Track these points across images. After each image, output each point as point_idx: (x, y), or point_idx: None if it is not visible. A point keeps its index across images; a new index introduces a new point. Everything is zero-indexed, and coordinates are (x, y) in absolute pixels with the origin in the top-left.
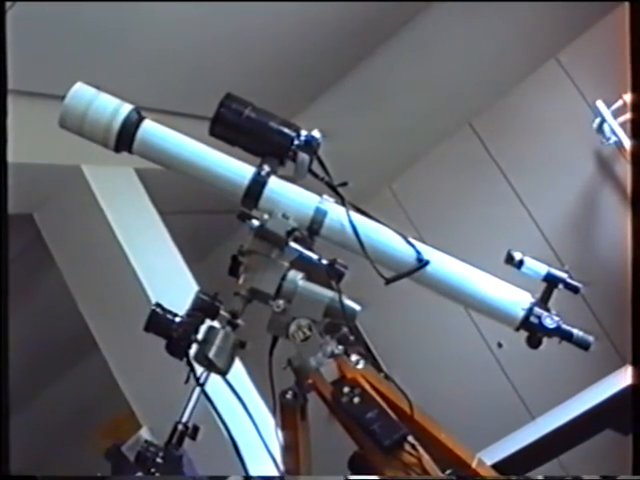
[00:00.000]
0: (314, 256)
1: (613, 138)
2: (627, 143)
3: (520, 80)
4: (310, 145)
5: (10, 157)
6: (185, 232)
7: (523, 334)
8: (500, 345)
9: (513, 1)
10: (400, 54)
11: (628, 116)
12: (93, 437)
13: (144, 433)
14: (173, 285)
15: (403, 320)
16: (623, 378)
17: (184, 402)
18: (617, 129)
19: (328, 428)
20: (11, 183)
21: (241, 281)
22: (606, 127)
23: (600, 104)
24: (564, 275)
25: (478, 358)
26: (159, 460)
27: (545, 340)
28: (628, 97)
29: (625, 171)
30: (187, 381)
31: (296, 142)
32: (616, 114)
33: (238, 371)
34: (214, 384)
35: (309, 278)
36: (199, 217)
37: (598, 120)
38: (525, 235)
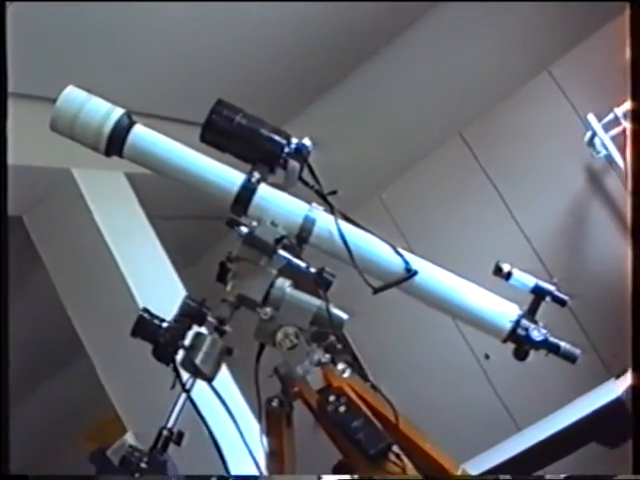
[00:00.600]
0: (302, 264)
1: (603, 152)
2: (618, 157)
3: (512, 91)
4: (300, 153)
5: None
6: (174, 237)
7: (511, 346)
8: (487, 357)
9: (511, 1)
10: (392, 64)
11: (619, 129)
12: (80, 439)
13: (129, 437)
14: (161, 290)
15: (391, 330)
16: (610, 391)
17: (170, 408)
18: (608, 143)
19: (313, 436)
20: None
21: (229, 288)
22: (597, 141)
23: (591, 117)
24: (552, 287)
25: (466, 369)
26: (143, 465)
27: (532, 352)
28: (619, 111)
29: (615, 185)
30: (173, 387)
31: (286, 150)
32: (607, 128)
33: (224, 378)
34: (200, 390)
35: (297, 286)
36: (189, 223)
37: (589, 133)
38: (514, 246)
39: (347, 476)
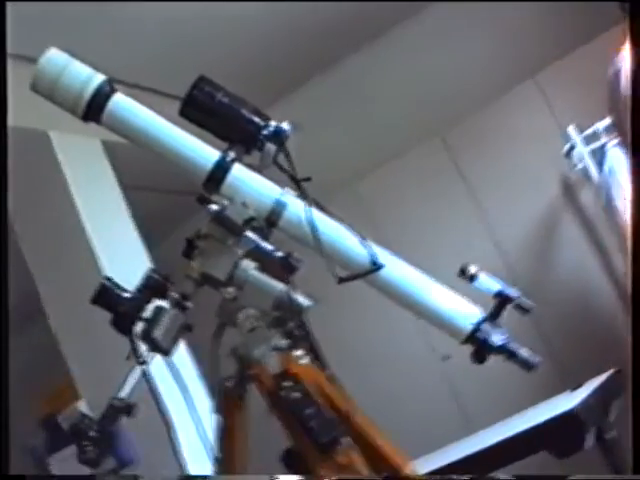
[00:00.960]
0: (269, 247)
1: (580, 165)
2: (594, 171)
3: (496, 97)
4: (278, 136)
5: None
6: (146, 209)
7: (472, 348)
8: (447, 357)
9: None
10: (382, 57)
11: (598, 144)
12: (34, 404)
13: (81, 405)
14: (127, 261)
15: (354, 321)
16: (564, 402)
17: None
18: (586, 156)
19: (266, 421)
20: None
21: (194, 264)
22: (575, 153)
23: (572, 129)
24: (515, 294)
25: (426, 367)
26: (93, 434)
27: (493, 357)
28: (601, 125)
29: (588, 199)
30: (128, 357)
31: (264, 132)
32: (587, 141)
33: (181, 353)
34: (156, 364)
35: (263, 269)
36: (162, 196)
37: (568, 145)
38: (483, 250)
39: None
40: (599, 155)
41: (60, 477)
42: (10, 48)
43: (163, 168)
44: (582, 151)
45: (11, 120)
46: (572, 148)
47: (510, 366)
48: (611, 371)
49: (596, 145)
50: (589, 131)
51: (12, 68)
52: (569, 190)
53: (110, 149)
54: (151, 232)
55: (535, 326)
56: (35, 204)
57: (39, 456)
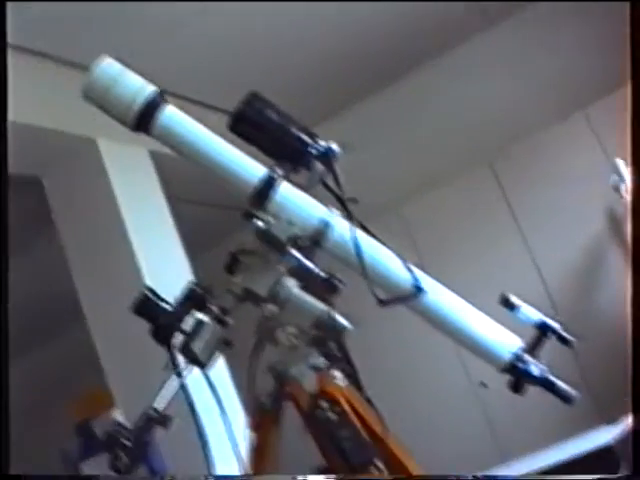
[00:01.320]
0: (313, 267)
1: (628, 198)
2: None
3: (547, 128)
4: (326, 156)
5: (31, 119)
6: (191, 221)
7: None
8: (484, 385)
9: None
10: (434, 82)
11: None
12: (65, 409)
13: (116, 413)
14: (168, 272)
15: (391, 345)
16: (600, 437)
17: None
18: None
19: (299, 439)
20: (25, 145)
21: (236, 279)
22: (623, 186)
23: (620, 162)
24: (557, 326)
25: (461, 393)
26: (127, 443)
27: (531, 387)
28: None
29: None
30: (165, 368)
31: (313, 151)
32: None
33: (220, 369)
34: (193, 377)
35: (305, 288)
36: (207, 209)
37: (616, 178)
38: (525, 280)
39: (322, 476)
40: None
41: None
42: (61, 53)
43: (209, 181)
44: (629, 184)
45: (58, 125)
46: (620, 181)
47: (544, 398)
48: None
49: None
50: None
51: (66, 75)
52: (615, 223)
53: (157, 160)
54: (193, 245)
55: (574, 358)
56: (80, 210)
57: (72, 461)
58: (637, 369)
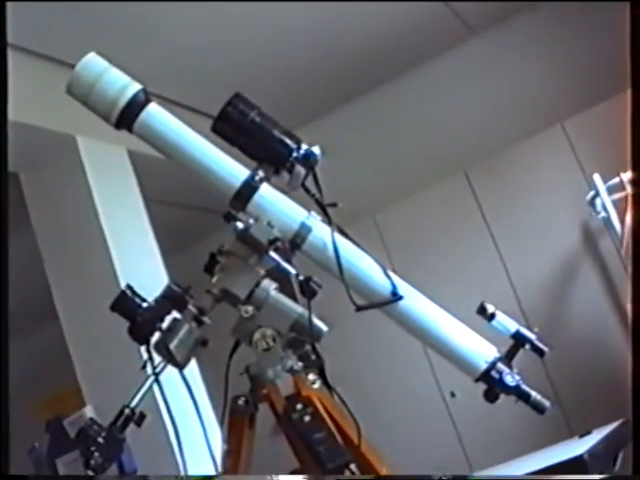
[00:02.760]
0: (291, 269)
1: (603, 213)
2: (615, 221)
3: (523, 139)
4: (308, 159)
5: (10, 115)
6: (167, 223)
7: (480, 386)
8: (453, 394)
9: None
10: (412, 91)
11: (622, 194)
12: (33, 407)
13: (88, 411)
14: (143, 271)
15: (365, 349)
16: (571, 449)
17: (134, 387)
18: (608, 205)
19: (271, 441)
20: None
21: (215, 280)
22: (598, 201)
23: (597, 178)
24: (533, 336)
25: (431, 402)
26: (100, 440)
27: (502, 397)
28: (625, 176)
29: (608, 248)
30: (143, 367)
31: (295, 154)
32: (611, 190)
33: (192, 369)
34: (168, 376)
35: (282, 290)
36: (183, 211)
37: (592, 193)
38: (498, 290)
39: (300, 476)
40: (622, 205)
41: (61, 477)
42: (44, 50)
43: (187, 183)
44: (605, 199)
45: (38, 121)
46: (596, 196)
47: (513, 408)
48: (620, 421)
49: (620, 195)
50: (614, 181)
51: (48, 70)
52: (589, 237)
53: (136, 160)
54: (168, 246)
55: (545, 370)
56: (56, 207)
57: (41, 459)
58: (637, 369)
